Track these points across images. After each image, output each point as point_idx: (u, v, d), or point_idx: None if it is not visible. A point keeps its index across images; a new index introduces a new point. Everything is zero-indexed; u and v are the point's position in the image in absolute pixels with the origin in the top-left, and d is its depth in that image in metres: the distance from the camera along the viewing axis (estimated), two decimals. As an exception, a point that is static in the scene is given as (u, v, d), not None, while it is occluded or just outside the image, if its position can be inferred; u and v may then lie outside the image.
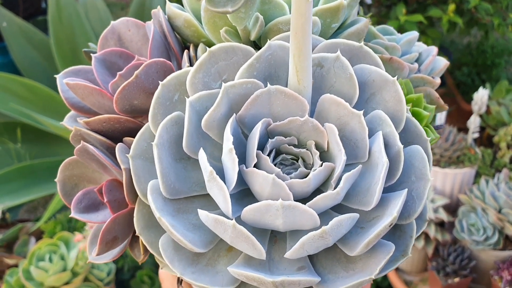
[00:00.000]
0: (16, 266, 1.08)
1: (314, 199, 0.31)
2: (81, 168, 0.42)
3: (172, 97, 0.36)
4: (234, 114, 0.34)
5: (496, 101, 1.45)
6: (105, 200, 0.37)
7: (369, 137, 0.34)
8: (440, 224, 1.16)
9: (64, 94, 0.43)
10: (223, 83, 0.35)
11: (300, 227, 0.32)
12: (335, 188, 0.33)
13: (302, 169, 0.34)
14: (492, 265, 1.09)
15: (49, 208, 1.11)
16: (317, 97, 0.35)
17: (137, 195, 0.35)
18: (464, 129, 1.28)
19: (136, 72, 0.36)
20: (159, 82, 0.38)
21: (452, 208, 1.19)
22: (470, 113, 1.22)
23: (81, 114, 0.43)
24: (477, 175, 1.22)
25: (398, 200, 0.32)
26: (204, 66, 0.35)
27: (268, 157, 0.33)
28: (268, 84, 0.34)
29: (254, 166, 0.33)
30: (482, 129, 1.49)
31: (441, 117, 1.18)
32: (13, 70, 1.49)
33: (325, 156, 0.35)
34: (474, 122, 1.17)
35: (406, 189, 0.32)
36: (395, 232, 0.35)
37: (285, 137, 0.35)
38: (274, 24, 0.38)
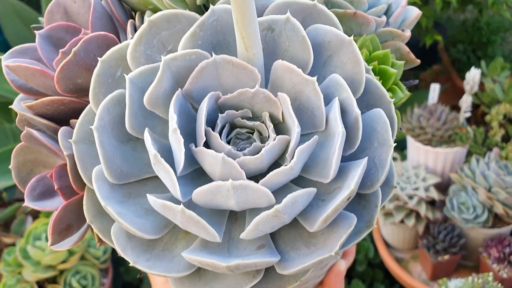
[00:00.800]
0: (13, 245, 1.09)
1: (267, 176, 0.29)
2: (34, 153, 0.40)
3: (114, 74, 0.33)
4: (180, 89, 0.32)
5: (491, 78, 1.42)
6: (56, 187, 0.35)
7: (326, 104, 0.32)
8: (431, 203, 1.16)
9: (9, 76, 0.40)
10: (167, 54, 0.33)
11: (256, 206, 0.30)
12: (290, 161, 0.31)
13: (256, 143, 0.32)
14: (481, 243, 1.09)
15: None
16: (271, 64, 0.33)
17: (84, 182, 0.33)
18: (458, 107, 1.26)
19: (73, 49, 0.34)
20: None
21: (443, 186, 1.18)
22: (464, 89, 1.20)
23: (30, 96, 0.41)
24: (469, 154, 1.22)
25: (356, 171, 0.29)
26: (144, 37, 0.32)
27: (218, 134, 0.31)
28: (213, 54, 0.31)
29: (205, 144, 0.31)
30: (476, 106, 1.46)
31: (434, 95, 1.16)
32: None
33: (281, 127, 0.33)
34: (466, 102, 1.14)
35: (366, 158, 0.30)
36: (360, 202, 0.33)
37: (237, 110, 0.32)
38: (220, -14, 0.35)
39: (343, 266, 0.54)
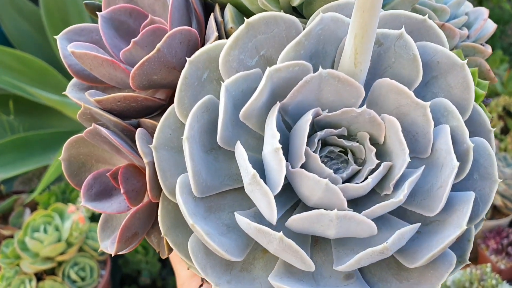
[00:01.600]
0: (11, 237, 1.07)
1: (372, 208, 0.27)
2: (89, 147, 0.37)
3: (201, 76, 0.30)
4: (278, 102, 0.29)
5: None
6: (122, 191, 0.32)
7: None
8: None
9: (67, 60, 0.36)
10: (262, 59, 0.30)
11: (354, 235, 0.28)
12: (393, 190, 0.28)
13: (353, 166, 0.30)
14: (480, 234, 1.10)
15: (43, 180, 1.08)
16: (371, 80, 0.30)
17: (161, 190, 0.31)
18: None
19: (158, 46, 0.30)
20: (183, 55, 0.32)
21: None
22: None
23: (86, 83, 0.37)
24: None
25: (466, 207, 0.28)
26: (241, 41, 0.29)
27: (317, 155, 0.28)
28: (320, 68, 0.28)
29: (301, 166, 0.28)
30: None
31: None
32: (4, 42, 1.42)
33: (379, 150, 0.30)
34: None
35: (473, 193, 0.28)
36: (450, 234, 0.31)
37: (335, 129, 0.30)
38: (321, -11, 0.32)
39: None
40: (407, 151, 0.28)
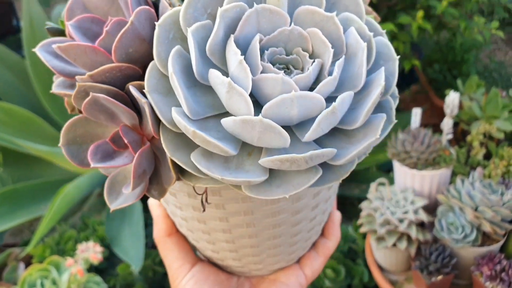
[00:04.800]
0: None
1: (318, 86, 0.38)
2: (83, 127, 0.44)
3: (169, 35, 0.40)
4: (231, 35, 0.39)
5: (468, 96, 1.47)
6: (126, 141, 0.40)
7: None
8: (421, 225, 1.19)
9: (50, 63, 0.44)
10: (210, 16, 0.40)
11: (309, 114, 0.38)
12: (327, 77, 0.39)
13: (297, 71, 0.40)
14: (473, 261, 1.11)
15: (37, 232, 1.08)
16: (291, 12, 0.42)
17: (159, 125, 0.39)
18: (437, 125, 1.26)
19: (131, 19, 0.40)
20: (149, 28, 0.42)
21: (431, 208, 1.22)
22: (442, 108, 1.22)
23: (69, 79, 0.45)
24: (453, 174, 1.26)
25: (380, 75, 0.39)
26: (192, 2, 0.40)
27: (270, 64, 0.39)
28: (255, 4, 0.39)
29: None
30: (455, 124, 1.49)
31: (416, 119, 1.22)
32: None
33: (310, 58, 0.41)
34: (447, 124, 1.18)
35: (383, 68, 0.40)
36: (377, 109, 0.42)
37: (277, 48, 0.41)
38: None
39: (338, 214, 0.63)
40: (330, 45, 0.39)
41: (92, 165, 0.41)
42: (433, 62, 1.91)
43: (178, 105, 0.39)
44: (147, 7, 0.42)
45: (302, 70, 0.41)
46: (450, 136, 1.19)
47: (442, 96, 1.71)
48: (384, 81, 0.38)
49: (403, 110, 1.89)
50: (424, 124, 1.25)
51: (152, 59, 0.42)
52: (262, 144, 0.38)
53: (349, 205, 1.73)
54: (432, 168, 1.18)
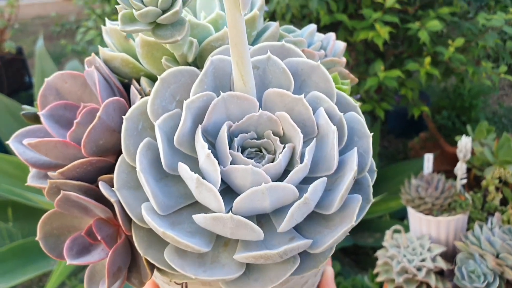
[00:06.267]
0: None
1: (289, 175, 0.37)
2: (59, 220, 0.44)
3: (137, 127, 0.40)
4: (199, 125, 0.39)
5: (478, 142, 1.46)
6: (99, 237, 0.40)
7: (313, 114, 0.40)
8: (440, 273, 1.14)
9: (23, 156, 0.44)
10: (179, 103, 0.40)
11: (282, 204, 0.38)
12: (301, 163, 0.38)
13: (268, 155, 0.40)
14: None
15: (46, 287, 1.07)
16: (260, 94, 0.41)
17: (131, 222, 0.38)
18: (450, 171, 1.23)
19: (98, 114, 0.40)
20: (118, 119, 0.41)
21: (449, 255, 1.18)
22: (454, 155, 1.19)
23: (43, 170, 0.45)
24: (470, 220, 1.22)
25: (353, 157, 0.38)
26: (159, 92, 0.39)
27: (240, 153, 0.38)
28: (221, 93, 0.39)
29: (230, 164, 0.38)
30: (468, 170, 1.48)
31: (428, 165, 1.20)
32: (0, 149, 1.42)
33: (282, 141, 0.41)
34: (461, 169, 1.16)
35: (355, 148, 0.39)
36: (355, 187, 0.41)
37: (247, 133, 0.40)
38: (206, 44, 0.43)
39: (331, 270, 0.62)
40: (299, 130, 0.38)
41: (68, 262, 0.41)
42: (441, 109, 1.89)
43: (145, 199, 0.39)
44: (115, 98, 0.42)
45: (274, 153, 0.40)
46: (465, 181, 1.16)
47: (452, 143, 1.69)
48: (356, 165, 0.37)
49: (413, 158, 1.86)
50: (435, 171, 1.21)
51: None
52: (236, 237, 0.37)
53: (363, 255, 1.67)
54: (448, 214, 1.15)
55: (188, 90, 0.41)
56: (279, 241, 0.39)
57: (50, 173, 0.41)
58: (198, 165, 0.39)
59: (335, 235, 0.37)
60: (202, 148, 0.37)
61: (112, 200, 0.38)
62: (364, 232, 1.65)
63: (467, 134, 1.48)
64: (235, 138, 0.40)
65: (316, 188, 0.36)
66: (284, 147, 0.39)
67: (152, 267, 0.39)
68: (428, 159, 1.20)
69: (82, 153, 0.41)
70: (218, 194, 0.35)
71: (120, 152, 0.42)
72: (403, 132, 2.33)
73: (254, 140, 0.40)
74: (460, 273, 1.08)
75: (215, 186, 0.36)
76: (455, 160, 1.21)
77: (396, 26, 1.50)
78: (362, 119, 0.41)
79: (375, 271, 1.22)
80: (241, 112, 0.40)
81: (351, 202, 0.39)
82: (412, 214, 1.20)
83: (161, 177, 0.39)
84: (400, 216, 1.73)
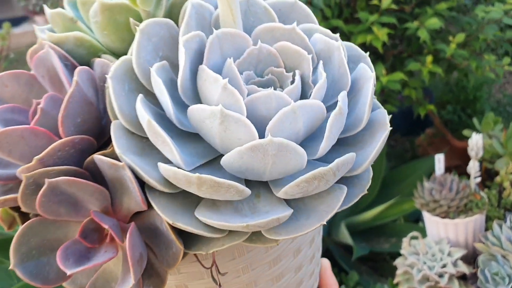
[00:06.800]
0: None
1: (313, 91, 0.34)
2: (39, 234, 0.34)
3: (124, 88, 0.34)
4: (200, 65, 0.34)
5: (486, 134, 1.42)
6: (107, 226, 0.32)
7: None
8: (462, 277, 1.09)
9: (-26, 168, 0.35)
10: (163, 59, 0.35)
11: (314, 124, 0.34)
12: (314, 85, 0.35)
13: (279, 89, 0.36)
14: None
15: None
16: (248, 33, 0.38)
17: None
18: (461, 167, 1.19)
19: (74, 78, 0.33)
20: (93, 89, 0.35)
21: (470, 257, 1.13)
22: (463, 149, 1.15)
23: (3, 183, 0.36)
24: (488, 219, 1.18)
25: (364, 69, 0.36)
26: (141, 44, 0.34)
27: (253, 86, 0.34)
28: (214, 31, 0.35)
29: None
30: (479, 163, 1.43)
31: (440, 166, 1.16)
32: None
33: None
34: (474, 167, 1.13)
35: (361, 62, 0.37)
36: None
37: (250, 71, 0.36)
38: (174, -1, 0.39)
39: (327, 261, 0.57)
40: (305, 52, 0.36)
41: (68, 272, 0.31)
42: (445, 104, 1.84)
43: (157, 164, 0.32)
44: (85, 67, 0.35)
45: (282, 88, 0.37)
46: (479, 179, 1.13)
47: (460, 137, 1.65)
48: (373, 72, 0.36)
49: (422, 156, 1.79)
50: (446, 167, 1.17)
51: (103, 128, 0.36)
52: (275, 172, 0.32)
53: (381, 261, 1.59)
54: (465, 215, 1.11)
55: (170, 45, 0.36)
56: (327, 161, 0.34)
57: (22, 168, 0.33)
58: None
59: (375, 146, 0.34)
60: (215, 82, 0.32)
61: (120, 164, 0.31)
62: (380, 237, 1.59)
63: (473, 127, 1.47)
64: (240, 75, 0.35)
65: (343, 98, 0.33)
66: (293, 75, 0.36)
67: (181, 240, 0.32)
68: (439, 160, 1.16)
69: (54, 141, 0.34)
70: (249, 122, 0.31)
71: (99, 136, 0.36)
72: (409, 130, 2.20)
73: (259, 79, 0.36)
74: (483, 276, 1.04)
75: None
76: (464, 155, 1.17)
77: (394, 26, 1.46)
78: (352, 44, 0.40)
79: (395, 280, 1.16)
80: (236, 51, 0.36)
81: (376, 115, 0.36)
82: (428, 218, 1.15)
83: (171, 135, 0.33)
84: (414, 218, 1.68)
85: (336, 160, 0.31)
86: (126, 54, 0.40)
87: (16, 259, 0.34)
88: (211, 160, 0.34)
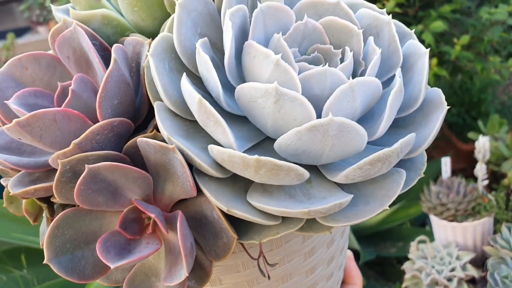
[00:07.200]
0: None
1: (369, 68, 0.31)
2: (73, 227, 0.32)
3: (165, 67, 0.31)
4: (246, 41, 0.32)
5: (492, 137, 1.40)
6: (153, 215, 0.29)
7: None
8: (472, 281, 1.08)
9: (9, 161, 0.32)
10: (202, 37, 0.33)
11: (370, 103, 0.32)
12: (365, 63, 0.33)
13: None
14: None
15: None
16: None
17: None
18: (467, 169, 1.17)
19: (113, 56, 0.30)
20: (128, 72, 0.32)
21: (478, 261, 1.12)
22: (469, 152, 1.13)
23: (30, 171, 0.33)
24: (496, 222, 1.17)
25: (415, 45, 0.34)
26: (182, 19, 0.32)
27: (304, 63, 0.32)
28: (258, 4, 0.33)
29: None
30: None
31: (446, 169, 1.15)
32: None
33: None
34: (481, 170, 1.11)
35: (410, 39, 0.35)
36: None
37: (296, 49, 0.34)
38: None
39: (349, 252, 0.56)
40: (355, 27, 0.34)
41: (112, 266, 0.29)
42: (449, 106, 1.82)
43: (205, 148, 0.30)
44: (119, 46, 0.33)
45: (332, 65, 0.34)
46: (486, 182, 1.12)
47: (465, 140, 1.62)
48: (425, 49, 0.34)
49: (427, 159, 1.81)
50: (452, 170, 1.15)
51: (138, 111, 0.33)
52: (332, 155, 0.30)
53: (388, 266, 1.55)
54: (473, 218, 1.09)
55: (208, 22, 0.34)
56: (381, 144, 0.32)
57: (57, 154, 0.30)
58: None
59: (434, 125, 0.32)
60: (265, 58, 0.30)
61: (171, 147, 0.28)
62: (386, 242, 1.55)
63: (478, 130, 1.45)
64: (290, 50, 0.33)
65: (400, 75, 0.31)
66: (343, 52, 0.34)
67: (234, 229, 0.30)
68: (446, 163, 1.14)
69: (89, 125, 0.31)
70: (306, 100, 0.28)
71: (134, 119, 0.33)
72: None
73: (305, 57, 0.34)
74: (493, 280, 1.02)
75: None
76: (470, 157, 1.16)
77: (397, 30, 1.46)
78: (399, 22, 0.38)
79: (404, 285, 1.14)
80: (279, 26, 0.34)
81: (430, 93, 0.34)
82: (436, 222, 1.14)
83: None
84: (421, 222, 1.66)
85: (400, 141, 0.29)
86: (155, 33, 0.37)
87: (50, 252, 0.31)
88: (256, 144, 0.32)
